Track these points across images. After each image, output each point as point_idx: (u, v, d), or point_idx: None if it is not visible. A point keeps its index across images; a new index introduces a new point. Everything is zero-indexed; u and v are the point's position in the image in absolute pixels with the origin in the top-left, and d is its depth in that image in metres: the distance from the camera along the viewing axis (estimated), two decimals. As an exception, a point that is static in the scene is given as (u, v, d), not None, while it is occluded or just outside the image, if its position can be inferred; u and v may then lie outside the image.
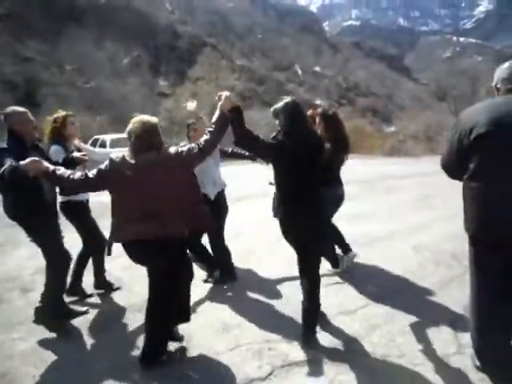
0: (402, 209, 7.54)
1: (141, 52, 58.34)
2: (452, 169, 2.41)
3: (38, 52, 44.33)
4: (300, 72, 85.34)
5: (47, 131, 3.76)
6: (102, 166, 2.59)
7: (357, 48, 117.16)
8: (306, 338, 2.88)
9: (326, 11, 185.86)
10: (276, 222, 3.04)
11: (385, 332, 3.05)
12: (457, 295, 3.61)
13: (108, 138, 11.98)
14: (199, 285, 3.97)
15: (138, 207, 2.56)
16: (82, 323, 3.40)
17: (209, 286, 4.09)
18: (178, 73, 53.33)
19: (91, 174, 2.60)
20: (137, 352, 2.88)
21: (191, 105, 3.91)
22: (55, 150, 3.62)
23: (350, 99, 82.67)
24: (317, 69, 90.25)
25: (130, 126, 2.64)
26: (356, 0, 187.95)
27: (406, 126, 46.70)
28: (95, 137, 12.61)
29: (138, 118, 2.66)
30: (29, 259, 5.24)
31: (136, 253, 2.65)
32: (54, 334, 3.23)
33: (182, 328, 3.05)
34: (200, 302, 3.70)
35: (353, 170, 15.08)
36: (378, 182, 11.35)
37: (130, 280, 4.30)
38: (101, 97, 39.13)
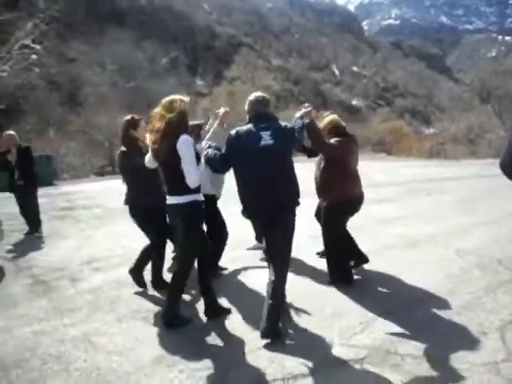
0: (443, 212, 7.34)
1: (179, 52, 59.45)
2: (507, 171, 2.29)
3: (81, 53, 46.04)
4: (337, 72, 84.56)
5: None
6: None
7: (396, 47, 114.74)
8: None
9: (365, 10, 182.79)
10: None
11: (430, 335, 2.98)
12: (505, 301, 3.50)
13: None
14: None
15: (356, 174, 4.00)
16: (134, 312, 3.53)
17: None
18: (215, 73, 53.98)
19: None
20: (186, 343, 2.98)
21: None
22: None
23: (388, 100, 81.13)
24: (354, 68, 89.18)
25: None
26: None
27: (447, 127, 45.18)
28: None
29: (332, 117, 4.04)
30: (76, 251, 5.49)
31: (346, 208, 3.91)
32: (104, 322, 3.36)
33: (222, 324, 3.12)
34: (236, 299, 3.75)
35: (392, 172, 14.93)
36: (418, 184, 11.11)
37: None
38: (140, 96, 40.12)
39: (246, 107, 3.21)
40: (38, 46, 19.67)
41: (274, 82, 41.26)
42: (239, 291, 3.95)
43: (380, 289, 3.86)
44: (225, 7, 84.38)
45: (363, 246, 4.29)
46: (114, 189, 11.10)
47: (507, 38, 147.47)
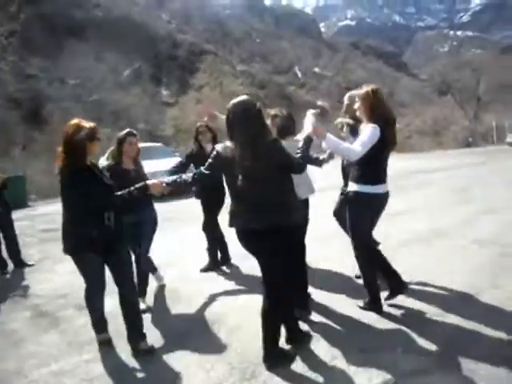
0: (442, 203, 7.33)
1: (141, 63, 58.47)
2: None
3: (41, 69, 44.42)
4: (300, 74, 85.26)
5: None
6: None
7: (354, 47, 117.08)
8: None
9: (321, 12, 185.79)
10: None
11: (493, 334, 2.83)
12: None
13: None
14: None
15: None
16: (161, 339, 3.20)
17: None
18: (180, 81, 53.27)
19: None
20: (219, 371, 2.69)
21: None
22: None
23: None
24: (316, 70, 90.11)
25: None
26: (350, 0, 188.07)
27: (410, 121, 46.37)
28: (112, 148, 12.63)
29: None
30: (74, 275, 5.03)
31: None
32: (125, 352, 3.01)
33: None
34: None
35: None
36: (403, 178, 11.11)
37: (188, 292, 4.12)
38: (105, 109, 39.15)
39: None
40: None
41: (241, 87, 41.06)
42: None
43: (419, 289, 3.65)
44: (183, 16, 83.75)
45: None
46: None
47: (458, 32, 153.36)
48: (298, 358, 2.71)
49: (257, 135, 2.57)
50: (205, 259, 4.71)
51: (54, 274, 5.19)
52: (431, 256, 4.42)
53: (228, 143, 2.64)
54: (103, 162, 4.24)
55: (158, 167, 8.26)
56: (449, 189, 8.74)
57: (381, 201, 3.17)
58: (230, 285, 4.24)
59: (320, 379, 2.51)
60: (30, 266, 5.63)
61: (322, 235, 5.07)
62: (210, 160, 2.70)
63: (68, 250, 2.91)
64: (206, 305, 3.78)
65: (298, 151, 2.70)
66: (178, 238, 6.06)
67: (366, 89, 3.14)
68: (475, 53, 56.63)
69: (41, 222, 8.66)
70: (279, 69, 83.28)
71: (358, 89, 3.50)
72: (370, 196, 3.10)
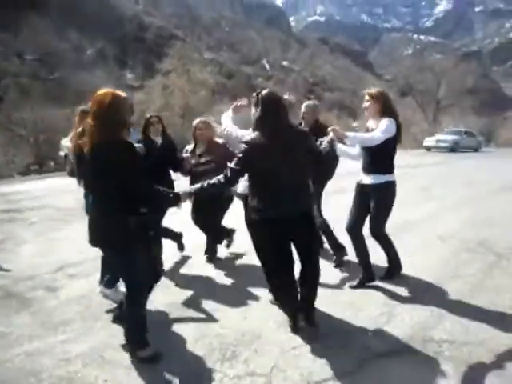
0: (407, 200, 7.62)
1: (105, 43, 56.55)
2: None
3: (-3, 41, 42.04)
4: (268, 66, 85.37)
5: None
6: None
7: (322, 43, 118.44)
8: None
9: (291, 6, 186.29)
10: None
11: (454, 319, 3.04)
12: (504, 283, 3.66)
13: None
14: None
15: None
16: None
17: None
18: (146, 65, 51.91)
19: None
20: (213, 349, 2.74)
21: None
22: None
23: (318, 94, 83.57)
24: (284, 63, 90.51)
25: None
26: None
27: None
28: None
29: None
30: (40, 256, 4.93)
31: None
32: (109, 334, 3.00)
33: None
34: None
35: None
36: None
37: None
38: (66, 89, 37.55)
39: None
40: None
41: (208, 75, 40.56)
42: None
43: (388, 279, 3.83)
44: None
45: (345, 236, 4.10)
46: (56, 188, 10.27)
47: (421, 37, 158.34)
48: (279, 341, 2.82)
49: (288, 123, 2.81)
50: (173, 246, 4.68)
51: (18, 256, 5.02)
52: (398, 249, 4.62)
53: (256, 133, 2.70)
54: (66, 143, 4.07)
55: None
56: (412, 186, 9.11)
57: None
58: (203, 271, 4.27)
59: (298, 356, 2.63)
60: None
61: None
62: (239, 155, 2.71)
63: (97, 241, 2.54)
64: (180, 291, 3.79)
65: (323, 147, 3.00)
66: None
67: (377, 90, 3.53)
68: (436, 58, 58.68)
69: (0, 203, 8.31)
70: (247, 59, 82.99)
71: (314, 100, 3.94)
72: (395, 184, 3.62)
